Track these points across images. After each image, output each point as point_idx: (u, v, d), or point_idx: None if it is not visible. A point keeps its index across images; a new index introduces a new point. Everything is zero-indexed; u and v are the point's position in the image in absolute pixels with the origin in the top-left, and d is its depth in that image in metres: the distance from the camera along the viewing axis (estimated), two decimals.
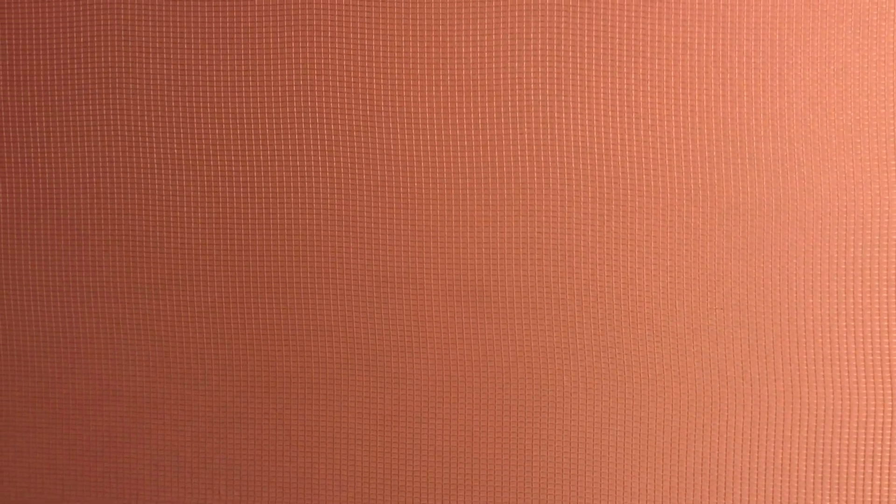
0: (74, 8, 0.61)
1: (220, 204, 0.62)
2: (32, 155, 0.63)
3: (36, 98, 0.62)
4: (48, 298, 0.64)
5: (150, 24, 0.61)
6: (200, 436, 0.63)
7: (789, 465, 0.60)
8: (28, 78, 0.62)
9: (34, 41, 0.62)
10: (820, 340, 0.59)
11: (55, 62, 0.62)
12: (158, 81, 0.61)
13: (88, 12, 0.61)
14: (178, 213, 0.62)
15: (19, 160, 0.63)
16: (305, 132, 0.61)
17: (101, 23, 0.61)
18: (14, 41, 0.62)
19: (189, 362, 0.63)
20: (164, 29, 0.61)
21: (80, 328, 0.64)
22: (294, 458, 0.63)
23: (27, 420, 0.65)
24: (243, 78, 0.61)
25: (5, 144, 0.63)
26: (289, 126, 0.61)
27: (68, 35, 0.61)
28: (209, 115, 0.61)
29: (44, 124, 0.62)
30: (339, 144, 0.60)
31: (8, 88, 0.62)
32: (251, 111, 0.61)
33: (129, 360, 0.64)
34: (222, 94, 0.61)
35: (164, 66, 0.61)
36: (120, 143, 0.62)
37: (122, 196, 0.62)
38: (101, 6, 0.61)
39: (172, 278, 0.63)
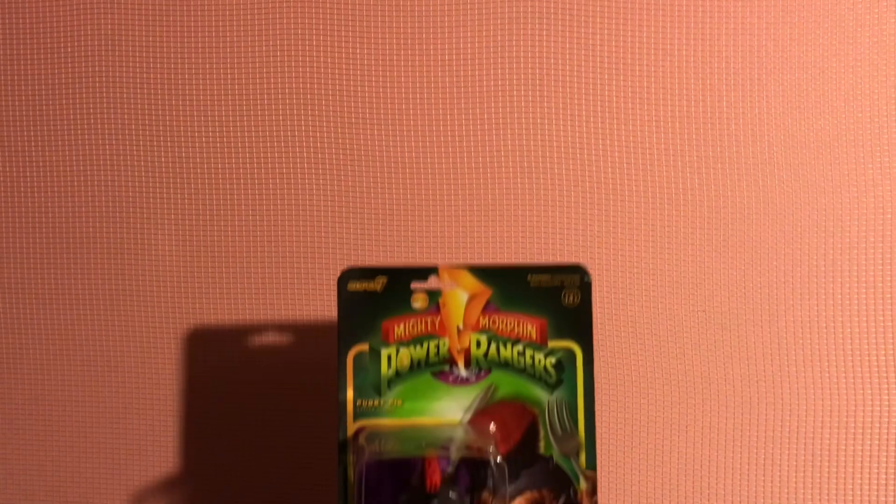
0: (65, 7, 0.64)
1: (212, 202, 0.63)
2: (23, 154, 0.65)
3: (26, 95, 0.65)
4: (36, 295, 0.64)
5: (142, 24, 0.64)
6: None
7: (772, 464, 0.60)
8: (18, 77, 0.65)
9: (25, 41, 0.64)
10: (800, 342, 0.60)
11: (45, 61, 0.64)
12: (151, 82, 0.64)
13: (78, 12, 0.64)
14: (171, 210, 0.64)
15: (8, 158, 0.65)
16: (303, 141, 0.62)
17: (93, 23, 0.64)
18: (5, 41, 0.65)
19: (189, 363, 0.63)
20: (156, 30, 0.66)
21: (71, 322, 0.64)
22: None
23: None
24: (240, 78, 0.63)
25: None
26: (285, 130, 0.63)
27: (58, 34, 0.64)
28: (201, 116, 0.63)
29: (33, 123, 0.65)
30: (340, 150, 0.62)
31: None
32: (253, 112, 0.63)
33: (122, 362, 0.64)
34: (219, 94, 0.64)
35: (157, 68, 0.63)
36: (112, 142, 0.64)
37: (113, 194, 0.64)
38: (93, 7, 0.64)
39: (165, 278, 0.63)
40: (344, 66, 0.61)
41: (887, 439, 0.59)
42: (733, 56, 0.60)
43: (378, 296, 0.48)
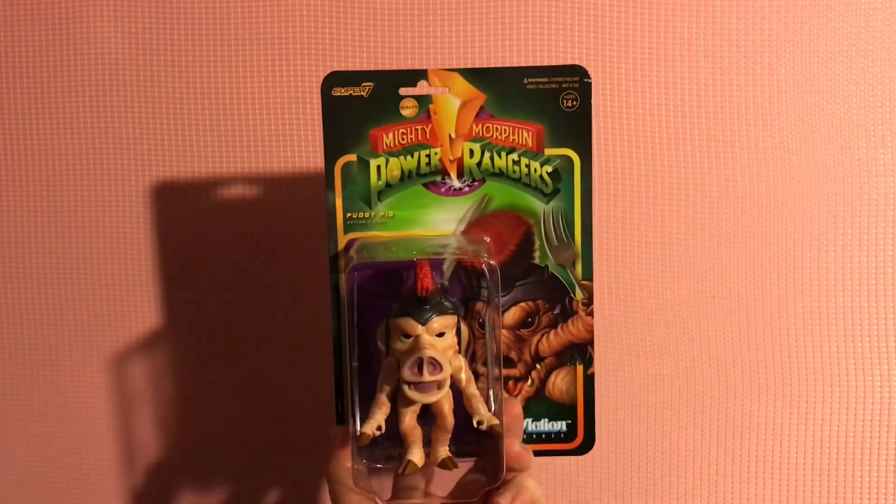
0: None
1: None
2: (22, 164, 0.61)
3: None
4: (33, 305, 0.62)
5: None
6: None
7: (779, 450, 0.60)
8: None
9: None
10: (810, 327, 0.59)
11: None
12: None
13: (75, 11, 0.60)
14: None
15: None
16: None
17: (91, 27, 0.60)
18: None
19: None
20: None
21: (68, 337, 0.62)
22: None
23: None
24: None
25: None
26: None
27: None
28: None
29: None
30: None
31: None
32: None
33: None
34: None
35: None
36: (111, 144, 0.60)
37: (112, 194, 0.61)
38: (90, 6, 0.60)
39: (167, 286, 0.61)
40: None
41: None
42: (744, 40, 0.57)
43: (364, 102, 0.45)
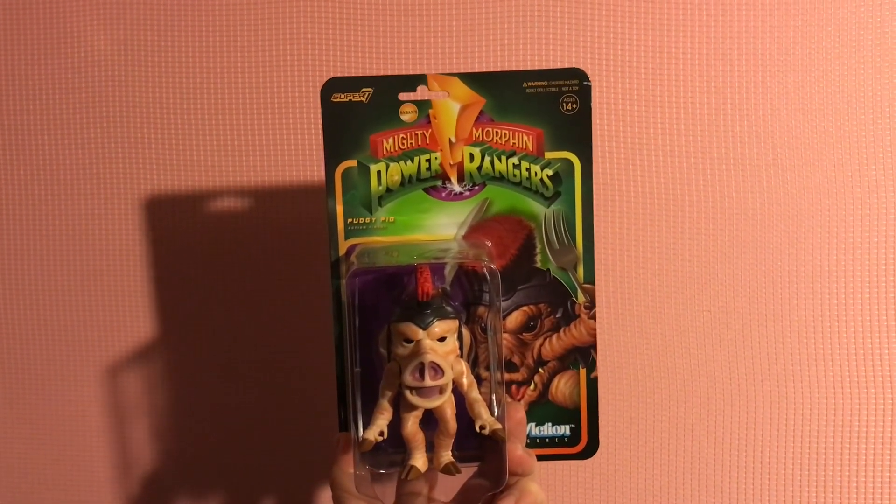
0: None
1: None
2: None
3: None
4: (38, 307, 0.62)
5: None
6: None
7: (776, 462, 0.60)
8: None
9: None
10: (805, 341, 0.59)
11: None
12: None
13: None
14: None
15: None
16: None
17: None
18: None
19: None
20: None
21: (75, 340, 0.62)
22: None
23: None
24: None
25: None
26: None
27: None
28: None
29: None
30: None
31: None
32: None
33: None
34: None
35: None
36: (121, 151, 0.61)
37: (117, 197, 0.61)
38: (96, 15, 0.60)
39: (173, 289, 0.61)
40: None
41: (891, 438, 0.60)
42: (738, 59, 0.58)
43: (364, 108, 0.45)
